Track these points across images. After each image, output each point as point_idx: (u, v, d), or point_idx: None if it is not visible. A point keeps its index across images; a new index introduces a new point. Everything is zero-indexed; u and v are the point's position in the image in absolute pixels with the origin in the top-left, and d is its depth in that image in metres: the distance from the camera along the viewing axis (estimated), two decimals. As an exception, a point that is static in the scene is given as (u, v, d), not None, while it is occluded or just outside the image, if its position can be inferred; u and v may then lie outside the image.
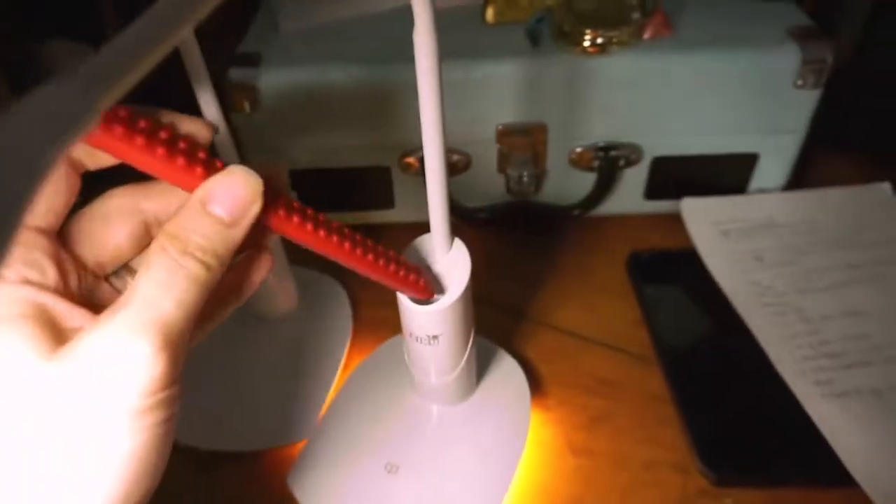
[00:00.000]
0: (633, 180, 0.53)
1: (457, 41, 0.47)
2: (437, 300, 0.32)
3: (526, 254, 0.54)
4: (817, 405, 0.41)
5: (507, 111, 0.49)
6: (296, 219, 0.22)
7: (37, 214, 0.21)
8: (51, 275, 0.21)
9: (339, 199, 0.55)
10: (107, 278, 0.24)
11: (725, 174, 0.54)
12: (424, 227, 0.32)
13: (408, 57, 0.25)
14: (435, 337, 0.33)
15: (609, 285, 0.51)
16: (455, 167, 0.52)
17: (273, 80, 0.48)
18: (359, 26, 0.52)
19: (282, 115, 0.49)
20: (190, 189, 0.20)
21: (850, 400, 0.41)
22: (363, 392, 0.43)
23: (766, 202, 0.54)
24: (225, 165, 0.21)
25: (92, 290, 0.23)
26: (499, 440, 0.40)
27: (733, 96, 0.48)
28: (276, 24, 0.52)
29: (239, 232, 0.21)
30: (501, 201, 0.54)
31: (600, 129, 0.50)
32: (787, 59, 0.47)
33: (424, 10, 0.24)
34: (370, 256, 0.26)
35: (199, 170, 0.20)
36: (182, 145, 0.20)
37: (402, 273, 0.28)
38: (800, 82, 0.47)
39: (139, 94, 0.18)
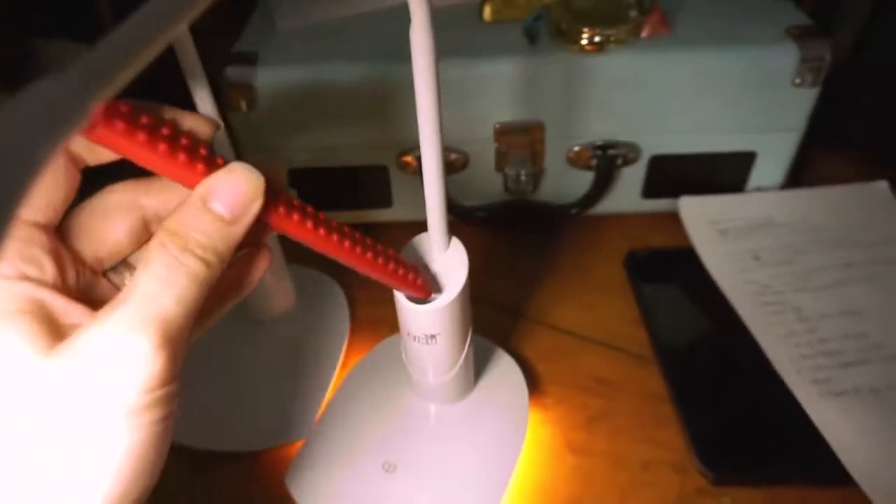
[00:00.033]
0: (631, 179, 0.53)
1: (454, 39, 0.47)
2: (434, 299, 0.32)
3: (524, 253, 0.54)
4: (815, 404, 0.41)
5: (504, 110, 0.49)
6: (296, 217, 0.22)
7: (35, 209, 0.21)
8: (49, 270, 0.21)
9: (336, 197, 0.55)
10: (105, 274, 0.23)
11: (723, 173, 0.54)
12: (422, 226, 0.32)
13: (405, 55, 0.25)
14: (433, 336, 0.33)
15: (607, 284, 0.51)
16: (452, 166, 0.51)
17: (270, 78, 0.48)
18: (356, 25, 0.52)
19: (279, 114, 0.49)
20: (191, 185, 0.20)
21: (848, 399, 0.41)
22: (361, 391, 0.42)
23: (764, 201, 0.54)
24: (226, 162, 0.21)
25: (90, 285, 0.23)
26: (497, 439, 0.40)
27: (731, 95, 0.48)
28: (273, 23, 0.52)
29: (239, 229, 0.21)
30: (499, 200, 0.54)
31: (598, 128, 0.50)
32: (786, 57, 0.47)
33: (421, 8, 0.24)
34: (369, 254, 0.26)
35: (200, 166, 0.20)
36: (184, 141, 0.20)
37: (400, 271, 0.28)
38: (798, 81, 0.47)
39: (136, 92, 0.18)
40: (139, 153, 0.19)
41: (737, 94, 0.48)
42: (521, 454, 0.39)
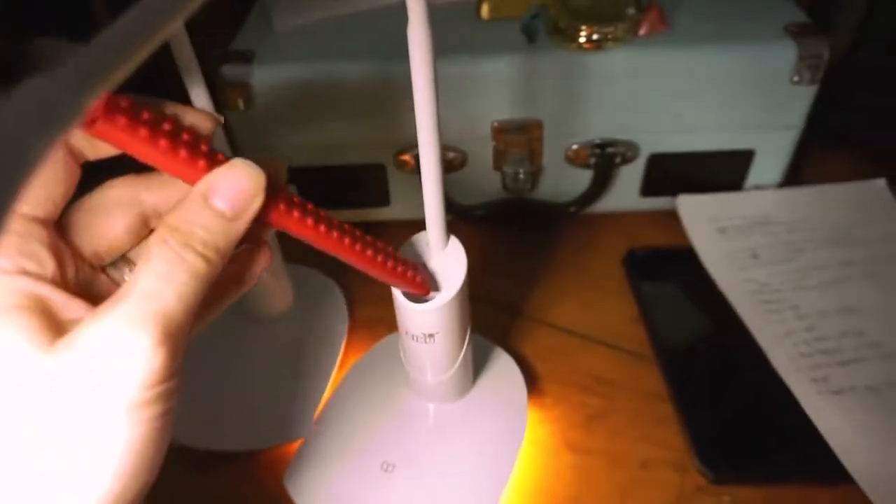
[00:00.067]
0: (630, 177, 0.53)
1: (451, 37, 0.47)
2: (433, 298, 0.32)
3: (522, 251, 0.54)
4: (814, 402, 0.41)
5: (502, 108, 0.49)
6: (296, 213, 0.22)
7: (35, 204, 0.21)
8: (48, 265, 0.20)
9: (334, 196, 0.55)
10: (104, 269, 0.23)
11: (722, 171, 0.53)
12: (420, 225, 0.32)
13: (403, 53, 0.25)
14: (431, 335, 0.33)
15: (606, 283, 0.51)
16: (451, 164, 0.51)
17: (267, 77, 0.47)
18: (353, 23, 0.52)
19: (276, 113, 0.49)
20: (192, 181, 0.20)
21: (846, 397, 0.41)
22: (359, 391, 0.42)
23: (762, 199, 0.54)
24: (227, 158, 0.21)
25: (89, 280, 0.22)
26: (496, 438, 0.40)
27: (730, 92, 0.48)
28: (270, 21, 0.52)
29: (240, 225, 0.21)
30: (497, 198, 0.54)
31: (596, 126, 0.50)
32: (784, 55, 0.47)
33: (418, 6, 0.24)
34: (369, 252, 0.26)
35: (201, 162, 0.20)
36: (185, 137, 0.20)
37: (399, 269, 0.28)
38: (796, 78, 0.47)
39: (132, 91, 0.18)
40: (140, 149, 0.19)
41: (735, 92, 0.48)
42: (519, 453, 0.39)
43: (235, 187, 0.20)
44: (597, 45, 0.47)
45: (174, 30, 0.22)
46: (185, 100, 0.35)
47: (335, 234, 0.24)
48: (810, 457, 0.39)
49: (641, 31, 0.48)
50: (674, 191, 0.54)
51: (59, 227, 0.22)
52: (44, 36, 0.52)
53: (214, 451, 0.41)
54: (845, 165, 0.57)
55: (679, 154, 0.52)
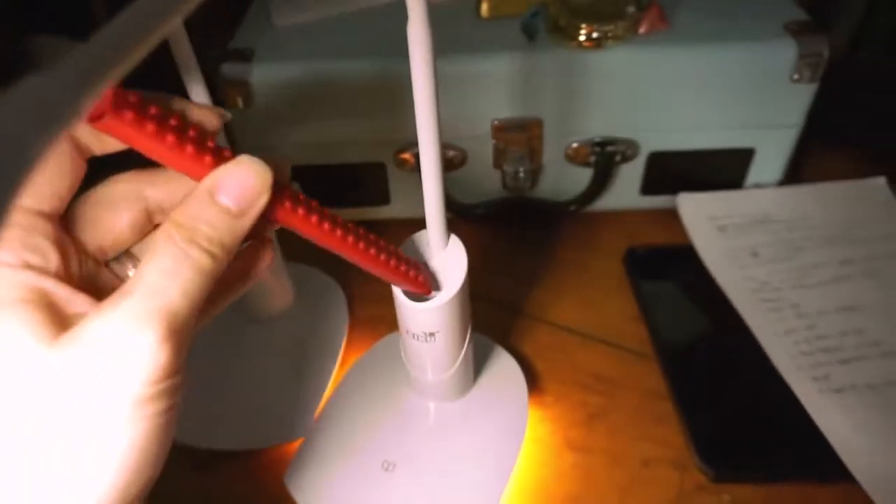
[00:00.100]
0: (630, 176, 0.53)
1: (451, 36, 0.47)
2: (433, 297, 0.32)
3: (522, 250, 0.54)
4: (815, 401, 0.40)
5: (502, 106, 0.49)
6: (301, 211, 0.22)
7: (40, 198, 0.21)
8: (52, 259, 0.20)
9: (334, 195, 0.55)
10: (107, 264, 0.23)
11: (722, 169, 0.53)
12: (420, 224, 0.32)
13: (402, 52, 0.25)
14: (432, 334, 0.33)
15: (606, 281, 0.51)
16: (451, 163, 0.51)
17: (266, 75, 0.47)
18: (353, 21, 0.52)
19: (275, 111, 0.49)
20: (197, 177, 0.20)
21: (847, 395, 0.41)
22: (360, 390, 0.42)
23: (762, 197, 0.54)
24: (234, 155, 0.21)
25: (92, 275, 0.22)
26: (496, 437, 0.39)
27: (730, 91, 0.48)
28: (269, 19, 0.52)
29: (246, 222, 0.21)
30: (498, 197, 0.54)
31: (596, 125, 0.50)
32: (784, 53, 0.47)
33: (418, 5, 0.24)
34: (372, 251, 0.26)
35: (207, 158, 0.20)
36: (192, 133, 0.19)
37: (402, 268, 0.28)
38: (796, 76, 0.47)
39: (132, 89, 0.18)
40: (147, 144, 0.19)
41: (735, 90, 0.48)
42: (520, 452, 0.39)
43: (242, 184, 0.20)
44: (597, 44, 0.47)
45: (173, 28, 0.21)
46: (183, 97, 0.35)
47: (339, 231, 0.24)
48: (811, 455, 0.39)
49: (641, 30, 0.48)
50: (674, 189, 0.54)
51: (64, 221, 0.22)
52: (44, 35, 0.52)
53: (215, 451, 0.41)
54: (845, 164, 0.57)
55: (679, 152, 0.52)
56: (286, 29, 0.51)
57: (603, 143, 0.51)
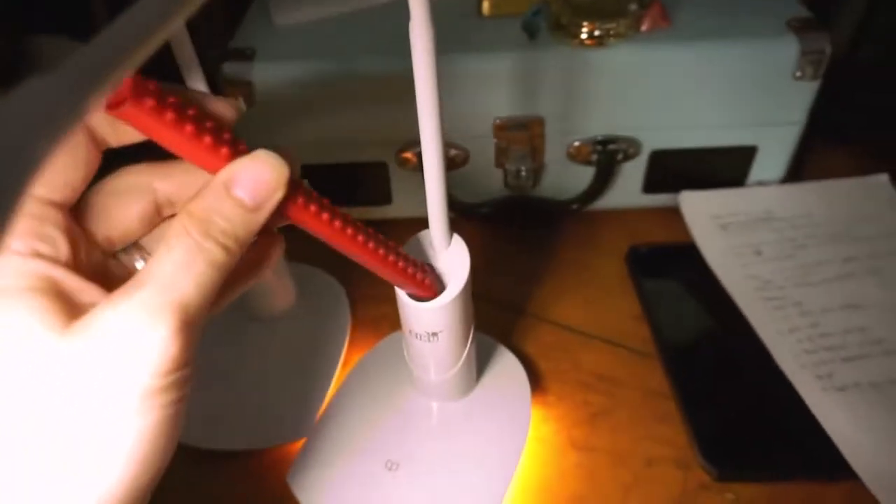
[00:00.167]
0: (632, 174, 0.53)
1: (452, 34, 0.47)
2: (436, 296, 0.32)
3: (524, 249, 0.54)
4: (818, 399, 0.40)
5: (504, 105, 0.49)
6: (313, 208, 0.22)
7: (52, 188, 0.20)
8: (63, 249, 0.20)
9: (335, 195, 0.54)
10: (114, 254, 0.23)
11: (724, 167, 0.53)
12: (422, 223, 0.32)
13: (404, 50, 0.25)
14: (435, 334, 0.33)
15: (608, 280, 0.51)
16: (453, 162, 0.51)
17: (268, 74, 0.47)
18: (354, 20, 0.52)
19: (277, 111, 0.49)
20: (212, 170, 0.20)
21: (851, 394, 0.41)
22: (362, 389, 0.42)
23: (765, 195, 0.53)
24: (249, 149, 0.20)
25: (100, 265, 0.22)
26: (499, 436, 0.39)
27: (732, 88, 0.48)
28: (270, 18, 0.52)
29: (260, 217, 0.21)
30: (500, 196, 0.54)
31: (598, 123, 0.50)
32: (786, 50, 0.46)
33: (420, 4, 0.24)
34: (381, 251, 0.26)
35: (224, 150, 0.20)
36: (209, 124, 0.19)
37: (409, 270, 0.28)
38: (798, 74, 0.47)
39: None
40: (164, 133, 0.19)
41: (737, 88, 0.48)
42: (523, 451, 0.39)
43: (258, 178, 0.20)
44: (598, 42, 0.46)
45: (175, 28, 0.21)
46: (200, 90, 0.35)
47: (349, 230, 0.24)
48: (814, 454, 0.39)
49: (643, 27, 0.48)
50: (676, 187, 0.54)
51: (73, 211, 0.22)
52: (44, 35, 0.52)
53: (218, 451, 0.41)
54: (847, 161, 0.57)
55: (681, 150, 0.52)
56: (286, 28, 0.51)
57: (605, 142, 0.50)
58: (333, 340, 0.46)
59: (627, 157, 0.52)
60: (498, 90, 0.48)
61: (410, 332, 0.33)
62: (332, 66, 0.47)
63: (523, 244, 0.54)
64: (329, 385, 0.44)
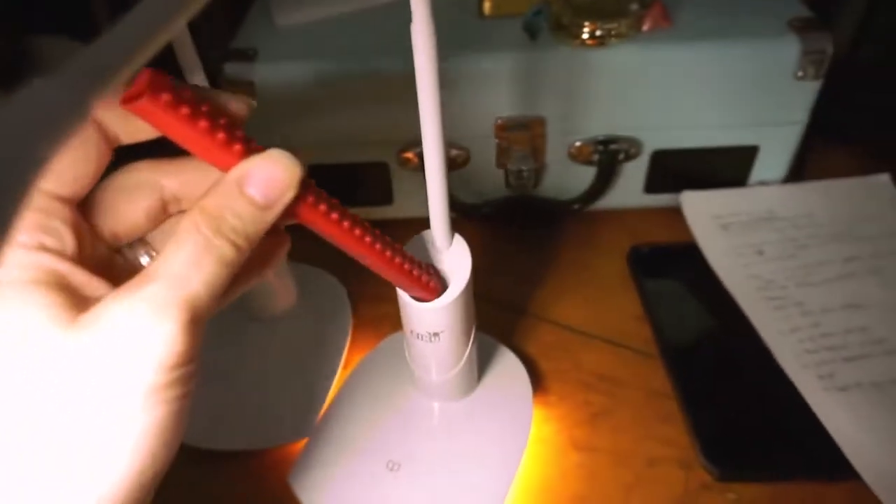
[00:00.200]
0: (633, 174, 0.53)
1: (453, 34, 0.47)
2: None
3: (525, 249, 0.54)
4: (820, 399, 0.40)
5: (505, 105, 0.49)
6: (323, 207, 0.22)
7: (61, 182, 0.21)
8: (68, 242, 0.20)
9: (336, 195, 0.54)
10: (119, 249, 0.23)
11: (725, 167, 0.53)
12: (423, 224, 0.32)
13: (405, 51, 0.25)
14: (436, 334, 0.33)
15: (609, 280, 0.50)
16: (454, 162, 0.51)
17: (269, 75, 0.47)
18: (355, 20, 0.51)
19: (278, 111, 0.49)
20: (223, 166, 0.20)
21: (852, 394, 0.41)
22: (364, 390, 0.42)
23: (767, 195, 0.53)
24: (261, 147, 0.21)
25: (105, 260, 0.22)
26: (501, 436, 0.39)
27: (734, 88, 0.48)
28: (272, 19, 0.52)
29: (271, 215, 0.21)
30: (501, 196, 0.54)
31: (600, 123, 0.50)
32: (788, 49, 0.46)
33: (422, 4, 0.24)
34: (388, 252, 0.26)
35: (237, 147, 0.20)
36: (222, 120, 0.19)
37: (415, 272, 0.28)
38: (800, 73, 0.47)
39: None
40: (178, 128, 0.19)
41: (739, 88, 0.48)
42: (525, 451, 0.39)
43: (271, 177, 0.20)
44: (600, 42, 0.46)
45: (178, 30, 0.21)
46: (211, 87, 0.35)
47: (358, 230, 0.24)
48: (816, 454, 0.39)
49: (644, 27, 0.48)
50: (677, 187, 0.54)
51: (80, 206, 0.22)
52: (44, 35, 0.52)
53: (219, 451, 0.41)
54: (848, 161, 0.57)
55: (683, 150, 0.52)
56: (288, 28, 0.51)
57: (606, 142, 0.50)
58: (335, 341, 0.46)
59: (629, 157, 0.52)
60: (499, 90, 0.48)
61: (412, 332, 0.33)
62: (334, 66, 0.47)
63: (524, 244, 0.54)
64: (330, 385, 0.44)
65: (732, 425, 0.41)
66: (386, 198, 0.54)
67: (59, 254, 0.20)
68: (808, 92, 0.48)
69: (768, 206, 0.53)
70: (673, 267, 0.51)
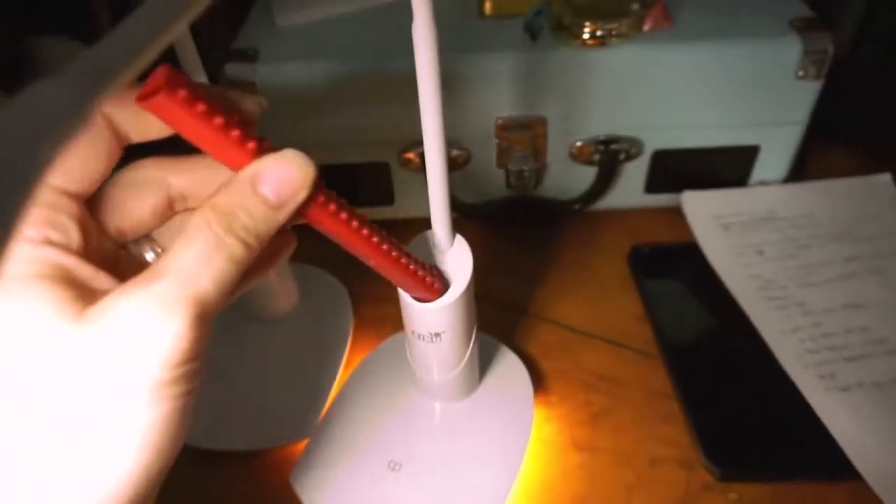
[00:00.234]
0: (634, 174, 0.53)
1: (454, 34, 0.47)
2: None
3: (525, 249, 0.54)
4: (821, 399, 0.40)
5: (505, 105, 0.49)
6: (332, 207, 0.22)
7: (69, 178, 0.21)
8: (74, 237, 0.20)
9: (337, 195, 0.55)
10: (124, 245, 0.23)
11: (726, 167, 0.53)
12: (424, 224, 0.32)
13: (406, 51, 0.25)
14: (437, 334, 0.33)
15: (610, 280, 0.51)
16: (454, 162, 0.51)
17: (270, 75, 0.47)
18: (356, 20, 0.51)
19: (279, 111, 0.49)
20: (235, 164, 0.20)
21: (854, 393, 0.41)
22: (365, 390, 0.42)
23: (767, 195, 0.53)
24: (274, 147, 0.21)
25: (110, 255, 0.22)
26: (502, 436, 0.39)
27: (735, 88, 0.48)
28: (273, 19, 0.52)
29: (283, 215, 0.21)
30: (502, 196, 0.54)
31: (600, 123, 0.50)
32: (789, 49, 0.46)
33: (423, 4, 0.24)
34: (394, 253, 0.26)
35: (251, 144, 0.20)
36: (236, 118, 0.19)
37: (420, 273, 0.28)
38: (801, 73, 0.47)
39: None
40: (193, 125, 0.19)
41: (740, 88, 0.48)
42: (526, 451, 0.39)
43: (284, 177, 0.20)
44: (600, 42, 0.46)
45: (180, 31, 0.21)
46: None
47: (365, 230, 0.24)
48: (817, 454, 0.39)
49: (645, 28, 0.48)
50: (678, 187, 0.54)
51: (87, 202, 0.22)
52: (44, 35, 0.52)
53: (220, 451, 0.41)
54: (849, 161, 0.57)
55: (683, 150, 0.52)
56: (289, 29, 0.51)
57: (607, 142, 0.50)
58: (336, 341, 0.46)
59: (629, 157, 0.52)
60: (500, 90, 0.48)
61: (413, 332, 0.33)
62: (335, 66, 0.47)
63: (525, 244, 0.54)
64: (331, 386, 0.44)
65: (733, 425, 0.41)
66: (387, 198, 0.54)
67: (65, 248, 0.20)
68: (808, 92, 0.48)
69: (769, 206, 0.53)
70: (673, 267, 0.51)
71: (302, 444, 0.41)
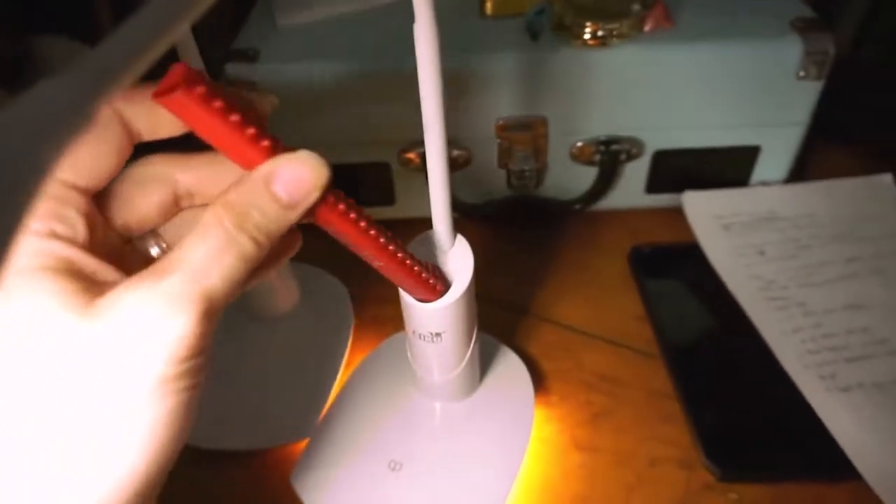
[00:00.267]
0: (635, 174, 0.53)
1: (455, 34, 0.47)
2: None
3: (527, 249, 0.54)
4: (822, 399, 0.40)
5: (506, 105, 0.49)
6: (342, 207, 0.22)
7: (78, 173, 0.21)
8: (80, 231, 0.20)
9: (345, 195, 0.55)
10: (129, 240, 0.23)
11: (727, 167, 0.53)
12: (425, 224, 0.32)
13: (408, 51, 0.25)
14: (438, 334, 0.33)
15: (611, 280, 0.50)
16: (455, 162, 0.51)
17: (271, 75, 0.47)
18: (357, 20, 0.51)
19: (280, 111, 0.48)
20: (248, 162, 0.20)
21: (854, 394, 0.41)
22: (366, 390, 0.42)
23: (768, 195, 0.53)
24: (287, 147, 0.21)
25: (116, 250, 0.23)
26: (503, 437, 0.39)
27: (735, 88, 0.48)
28: (274, 19, 0.52)
29: (294, 215, 0.21)
30: (503, 197, 0.54)
31: (601, 123, 0.50)
32: (790, 50, 0.46)
33: (425, 4, 0.24)
34: (400, 254, 0.26)
35: (266, 143, 0.20)
36: (252, 115, 0.19)
37: (423, 275, 0.28)
38: (802, 74, 0.47)
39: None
40: (209, 122, 0.19)
41: (741, 88, 0.48)
42: (526, 451, 0.39)
43: (298, 177, 0.20)
44: (601, 42, 0.46)
45: (183, 32, 0.21)
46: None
47: (373, 231, 0.24)
48: (818, 454, 0.39)
49: (646, 28, 0.48)
50: (679, 188, 0.54)
51: (94, 197, 0.22)
52: (44, 35, 0.52)
53: (220, 451, 0.41)
54: (850, 161, 0.57)
55: (684, 150, 0.52)
56: (290, 29, 0.51)
57: (608, 142, 0.50)
58: (336, 341, 0.46)
59: (630, 158, 0.52)
60: (501, 90, 0.48)
61: (414, 332, 0.33)
62: (336, 66, 0.47)
63: (526, 244, 0.54)
64: (332, 385, 0.44)
65: (734, 425, 0.41)
66: (387, 198, 0.54)
67: (71, 241, 0.20)
68: (809, 92, 0.48)
69: (770, 207, 0.53)
70: (674, 267, 0.51)
71: (302, 444, 0.41)
